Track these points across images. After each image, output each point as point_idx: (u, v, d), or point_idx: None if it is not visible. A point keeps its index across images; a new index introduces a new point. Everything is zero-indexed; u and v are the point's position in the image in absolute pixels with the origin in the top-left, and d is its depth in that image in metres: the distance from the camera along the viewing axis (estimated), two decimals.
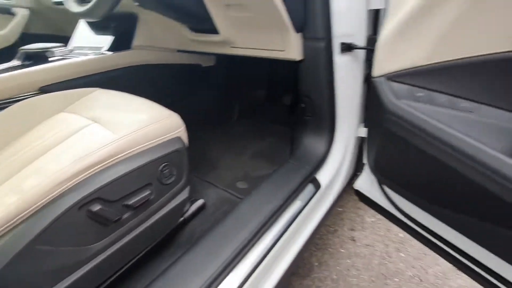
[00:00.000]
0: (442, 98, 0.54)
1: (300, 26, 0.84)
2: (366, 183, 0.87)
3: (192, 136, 0.71)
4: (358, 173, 0.99)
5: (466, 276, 0.67)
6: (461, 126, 0.50)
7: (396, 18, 0.55)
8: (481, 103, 0.50)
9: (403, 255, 1.18)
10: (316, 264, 1.17)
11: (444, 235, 0.66)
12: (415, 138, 0.55)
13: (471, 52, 0.48)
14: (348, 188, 1.05)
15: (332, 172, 0.95)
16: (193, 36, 1.08)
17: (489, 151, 0.45)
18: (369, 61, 0.86)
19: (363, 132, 0.97)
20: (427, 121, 0.52)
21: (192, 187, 0.71)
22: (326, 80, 0.86)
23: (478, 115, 0.50)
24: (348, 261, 1.17)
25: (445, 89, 0.53)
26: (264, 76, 1.55)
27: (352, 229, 1.33)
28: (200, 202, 0.84)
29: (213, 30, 0.97)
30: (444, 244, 0.67)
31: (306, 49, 0.87)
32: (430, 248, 0.74)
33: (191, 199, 0.83)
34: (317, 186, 0.90)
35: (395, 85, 0.59)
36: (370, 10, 0.80)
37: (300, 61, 0.90)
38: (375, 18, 0.82)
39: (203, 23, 0.96)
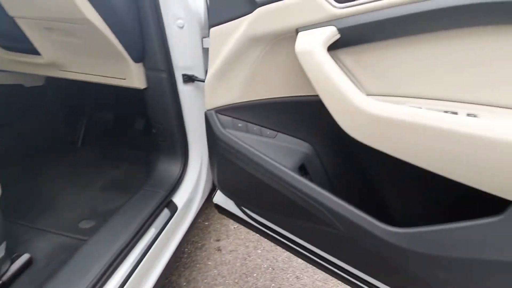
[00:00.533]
0: (255, 127, 0.69)
1: (140, 56, 0.85)
2: (223, 196, 0.98)
3: (21, 173, 0.59)
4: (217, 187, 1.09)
5: None
6: (267, 149, 0.66)
7: (215, 63, 0.66)
8: (278, 131, 0.68)
9: (259, 251, 1.38)
10: (185, 283, 1.19)
11: (282, 232, 0.83)
12: (237, 160, 0.68)
13: (266, 95, 0.65)
14: (209, 202, 1.14)
15: (188, 192, 1.00)
16: (8, 55, 0.90)
17: (281, 167, 0.62)
18: None
19: None
20: (243, 145, 0.66)
21: (13, 240, 0.59)
22: (173, 107, 0.91)
23: (278, 140, 0.68)
24: (215, 271, 1.26)
25: (255, 120, 0.69)
26: (111, 97, 1.44)
27: (218, 240, 1.43)
28: (24, 257, 0.70)
29: (34, 51, 0.83)
30: (284, 238, 0.84)
31: (149, 78, 0.89)
32: (277, 244, 0.91)
33: (12, 257, 0.68)
34: (174, 208, 0.93)
35: (222, 117, 0.71)
36: (206, 48, 0.91)
37: (145, 89, 0.91)
38: None
39: (19, 43, 0.81)
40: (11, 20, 0.76)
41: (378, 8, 0.46)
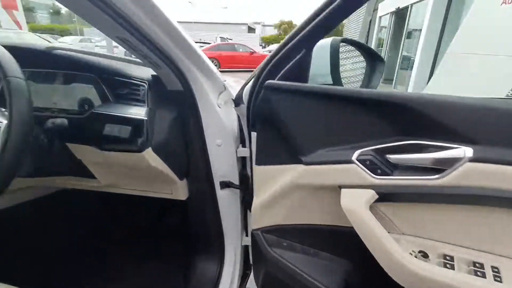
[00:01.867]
0: (298, 246, 0.78)
1: (184, 174, 0.96)
2: None
3: None
4: (248, 272, 1.15)
5: None
6: (310, 267, 0.74)
7: (262, 196, 0.75)
8: (321, 250, 0.77)
9: None
10: None
11: None
12: (282, 277, 0.76)
13: (308, 221, 0.74)
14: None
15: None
16: (63, 179, 1.00)
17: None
18: (242, 192, 1.04)
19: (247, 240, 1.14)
20: (287, 264, 0.74)
21: None
22: (211, 211, 1.00)
23: (321, 258, 0.76)
24: None
25: (299, 240, 0.78)
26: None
27: None
28: None
29: (91, 176, 0.95)
30: None
31: (191, 190, 0.99)
32: None
33: None
34: None
35: (267, 236, 0.80)
36: (239, 157, 0.99)
37: (186, 199, 1.01)
38: (243, 161, 1.01)
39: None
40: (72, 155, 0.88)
41: (411, 185, 0.54)
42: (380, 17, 11.05)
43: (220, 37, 23.53)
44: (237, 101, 0.80)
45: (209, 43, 15.93)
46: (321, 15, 0.59)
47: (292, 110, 0.63)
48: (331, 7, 0.57)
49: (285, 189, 0.69)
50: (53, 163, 0.92)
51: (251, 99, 0.71)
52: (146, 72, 0.95)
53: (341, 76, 0.76)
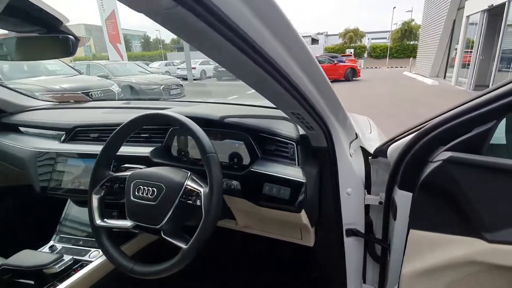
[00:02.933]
0: None
1: (315, 222, 1.01)
2: None
3: None
4: None
5: None
6: None
7: (418, 263, 0.69)
8: None
9: None
10: None
11: None
12: None
13: None
14: None
15: None
16: None
17: None
18: (366, 240, 1.04)
19: None
20: None
21: None
22: (338, 258, 1.03)
23: None
24: None
25: None
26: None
27: None
28: None
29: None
30: None
31: (319, 236, 1.04)
32: None
33: None
34: None
35: None
36: (367, 204, 1.01)
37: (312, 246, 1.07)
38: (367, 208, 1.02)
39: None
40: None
41: None
42: (468, 16, 9.80)
43: None
44: (377, 154, 0.84)
45: None
46: None
47: (478, 184, 0.59)
48: None
49: (454, 262, 0.64)
50: None
51: (403, 158, 0.70)
52: (287, 127, 1.00)
53: None
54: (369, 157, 0.95)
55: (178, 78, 9.58)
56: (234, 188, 0.90)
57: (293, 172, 0.87)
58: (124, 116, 1.32)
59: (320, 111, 0.71)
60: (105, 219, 0.82)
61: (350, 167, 0.91)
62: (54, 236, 1.14)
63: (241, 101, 1.44)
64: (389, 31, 33.06)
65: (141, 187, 0.76)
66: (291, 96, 0.58)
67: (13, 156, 1.25)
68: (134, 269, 0.74)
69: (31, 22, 0.80)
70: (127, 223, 0.79)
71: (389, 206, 0.87)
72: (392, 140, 0.80)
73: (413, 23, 32.09)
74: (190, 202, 0.73)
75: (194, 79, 15.33)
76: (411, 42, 30.69)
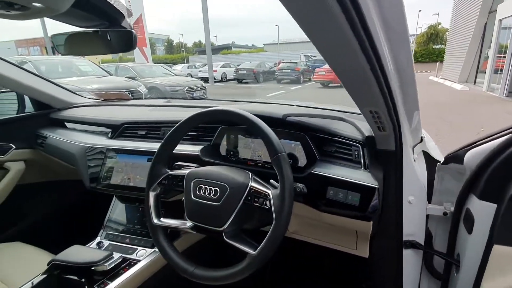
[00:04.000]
0: None
1: (375, 232, 0.94)
2: None
3: None
4: None
5: None
6: None
7: (502, 282, 0.65)
8: None
9: None
10: None
11: None
12: None
13: None
14: None
15: None
16: None
17: None
18: (425, 253, 0.97)
19: None
20: None
21: None
22: (395, 271, 0.96)
23: None
24: None
25: None
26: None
27: None
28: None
29: None
30: None
31: (376, 247, 0.96)
32: None
33: None
34: None
35: None
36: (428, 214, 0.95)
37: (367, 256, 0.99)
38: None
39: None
40: None
41: None
42: (501, 20, 9.31)
43: (304, 55, 24.01)
44: (448, 160, 0.78)
45: (296, 62, 16.46)
46: None
47: None
48: None
49: None
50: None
51: (488, 165, 0.65)
52: (347, 128, 0.94)
53: None
54: (438, 163, 0.88)
55: (200, 80, 9.76)
56: (300, 191, 0.83)
57: (362, 176, 0.81)
58: (171, 114, 1.32)
59: (399, 111, 0.66)
60: (161, 219, 0.80)
61: (414, 173, 0.85)
62: (101, 232, 1.14)
63: (283, 101, 1.39)
64: (414, 35, 32.13)
65: (203, 186, 0.73)
66: (380, 93, 0.55)
67: (63, 151, 1.27)
68: (194, 273, 0.71)
69: (97, 15, 0.80)
70: (186, 224, 0.76)
71: (459, 218, 0.81)
72: (471, 146, 0.74)
73: (440, 26, 31.00)
74: (257, 204, 0.69)
75: (215, 81, 15.57)
76: (437, 46, 29.68)
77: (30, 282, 0.89)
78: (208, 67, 14.88)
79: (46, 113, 1.50)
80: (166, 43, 53.13)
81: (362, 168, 0.86)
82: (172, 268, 0.78)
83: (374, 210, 0.78)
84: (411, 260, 0.96)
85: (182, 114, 1.27)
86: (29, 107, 1.53)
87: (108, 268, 0.90)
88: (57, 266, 0.89)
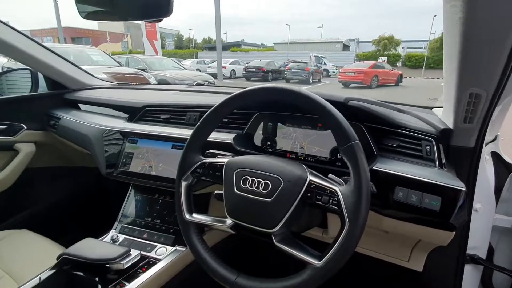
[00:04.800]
0: None
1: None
2: None
3: None
4: None
5: None
6: None
7: None
8: None
9: None
10: None
11: None
12: None
13: None
14: None
15: None
16: None
17: None
18: (485, 269, 0.88)
19: None
20: None
21: None
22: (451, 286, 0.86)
23: None
24: None
25: None
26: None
27: None
28: None
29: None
30: None
31: (432, 260, 0.85)
32: None
33: None
34: None
35: None
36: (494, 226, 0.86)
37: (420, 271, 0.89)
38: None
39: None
40: None
41: None
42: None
43: (314, 55, 23.74)
44: None
45: (306, 62, 16.27)
46: None
47: None
48: None
49: None
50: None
51: None
52: (411, 119, 0.83)
53: None
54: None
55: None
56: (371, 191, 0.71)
57: (441, 177, 0.66)
58: (197, 98, 1.20)
59: (503, 97, 0.57)
60: (193, 214, 0.68)
61: (485, 177, 0.74)
62: (116, 224, 1.03)
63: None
64: (426, 40, 31.61)
65: (249, 178, 0.62)
66: (502, 70, 0.50)
67: (78, 134, 1.16)
68: (238, 283, 0.59)
69: None
70: (225, 221, 0.65)
71: None
72: None
73: None
74: (319, 202, 0.57)
75: (224, 78, 15.47)
76: None
77: (38, 277, 0.78)
78: (217, 64, 14.79)
79: (61, 93, 1.40)
80: (176, 38, 53.20)
81: (437, 166, 0.72)
82: (196, 267, 0.66)
83: (460, 218, 0.63)
84: (471, 277, 0.85)
85: (209, 99, 1.13)
86: (42, 87, 1.44)
87: (125, 267, 0.79)
88: (68, 261, 0.78)
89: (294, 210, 0.58)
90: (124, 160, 1.02)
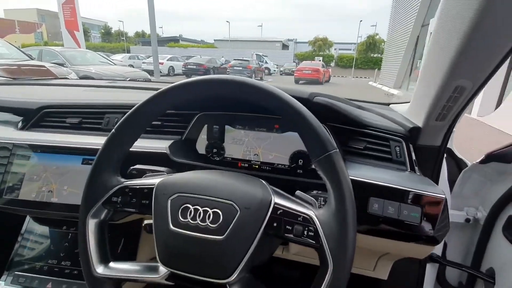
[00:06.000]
0: None
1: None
2: None
3: None
4: None
5: None
6: None
7: None
8: None
9: None
10: None
11: None
12: None
13: None
14: None
15: None
16: None
17: None
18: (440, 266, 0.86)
19: None
20: None
21: None
22: None
23: None
24: None
25: None
26: None
27: None
28: None
29: None
30: None
31: (395, 266, 0.80)
32: None
33: None
34: None
35: None
36: None
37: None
38: None
39: None
40: None
41: None
42: (432, 33, 10.60)
43: (256, 54, 24.06)
44: (490, 159, 0.68)
45: (248, 60, 16.34)
46: None
47: None
48: None
49: None
50: None
51: None
52: (376, 118, 0.75)
53: None
54: (474, 162, 0.75)
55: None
56: None
57: (416, 183, 0.58)
58: (118, 96, 0.94)
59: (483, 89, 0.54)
60: (110, 264, 0.47)
61: (443, 174, 0.73)
62: (5, 274, 0.73)
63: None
64: (355, 43, 34.85)
65: (191, 206, 0.43)
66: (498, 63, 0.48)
67: None
68: None
69: None
70: (157, 271, 0.45)
71: (493, 226, 0.72)
72: None
73: (377, 37, 34.15)
74: (291, 235, 0.41)
75: (161, 75, 14.50)
76: (375, 55, 32.67)
77: None
78: (153, 59, 13.72)
79: None
80: (103, 30, 47.96)
81: (408, 169, 0.64)
82: None
83: (443, 230, 0.55)
84: (428, 275, 0.84)
85: (135, 96, 0.91)
86: None
87: None
88: None
89: (257, 247, 0.41)
90: (10, 185, 0.72)
